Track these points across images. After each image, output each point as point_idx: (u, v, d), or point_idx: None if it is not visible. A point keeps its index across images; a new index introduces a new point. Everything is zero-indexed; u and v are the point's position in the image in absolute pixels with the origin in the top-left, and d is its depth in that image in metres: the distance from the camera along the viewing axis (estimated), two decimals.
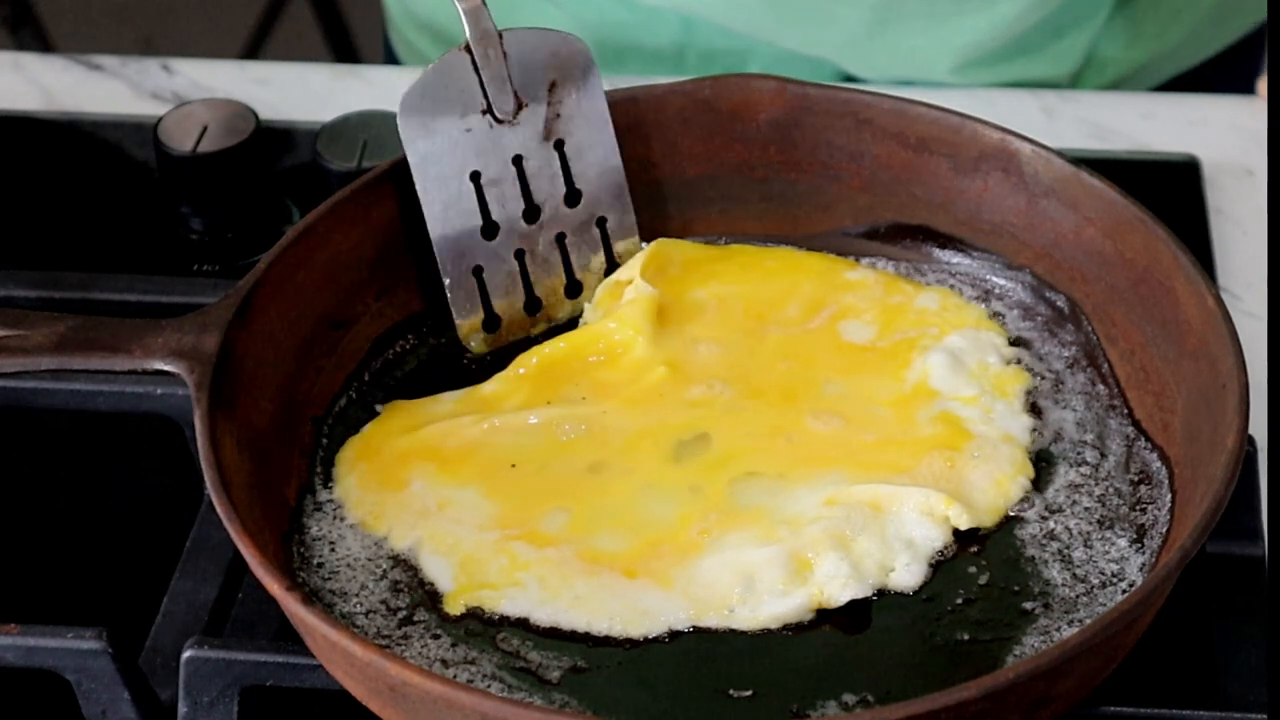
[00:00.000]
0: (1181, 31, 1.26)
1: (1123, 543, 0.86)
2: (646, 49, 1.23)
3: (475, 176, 0.94)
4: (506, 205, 0.95)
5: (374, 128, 1.09)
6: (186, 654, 0.84)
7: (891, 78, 1.21)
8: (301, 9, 2.42)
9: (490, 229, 0.94)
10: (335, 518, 0.88)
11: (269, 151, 1.12)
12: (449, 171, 0.93)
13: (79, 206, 1.14)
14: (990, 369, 0.92)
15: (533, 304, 0.96)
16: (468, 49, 0.93)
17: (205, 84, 1.22)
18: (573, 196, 0.96)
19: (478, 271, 0.95)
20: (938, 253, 0.98)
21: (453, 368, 0.95)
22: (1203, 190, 1.12)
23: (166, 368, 0.86)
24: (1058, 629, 0.83)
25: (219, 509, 0.80)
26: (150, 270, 1.07)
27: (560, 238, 0.96)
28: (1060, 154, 0.95)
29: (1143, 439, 0.90)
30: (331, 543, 0.87)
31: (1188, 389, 0.88)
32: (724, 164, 0.99)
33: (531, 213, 0.95)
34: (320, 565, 0.86)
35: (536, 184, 0.95)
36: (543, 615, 0.83)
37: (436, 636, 0.84)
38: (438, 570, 0.85)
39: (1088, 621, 0.82)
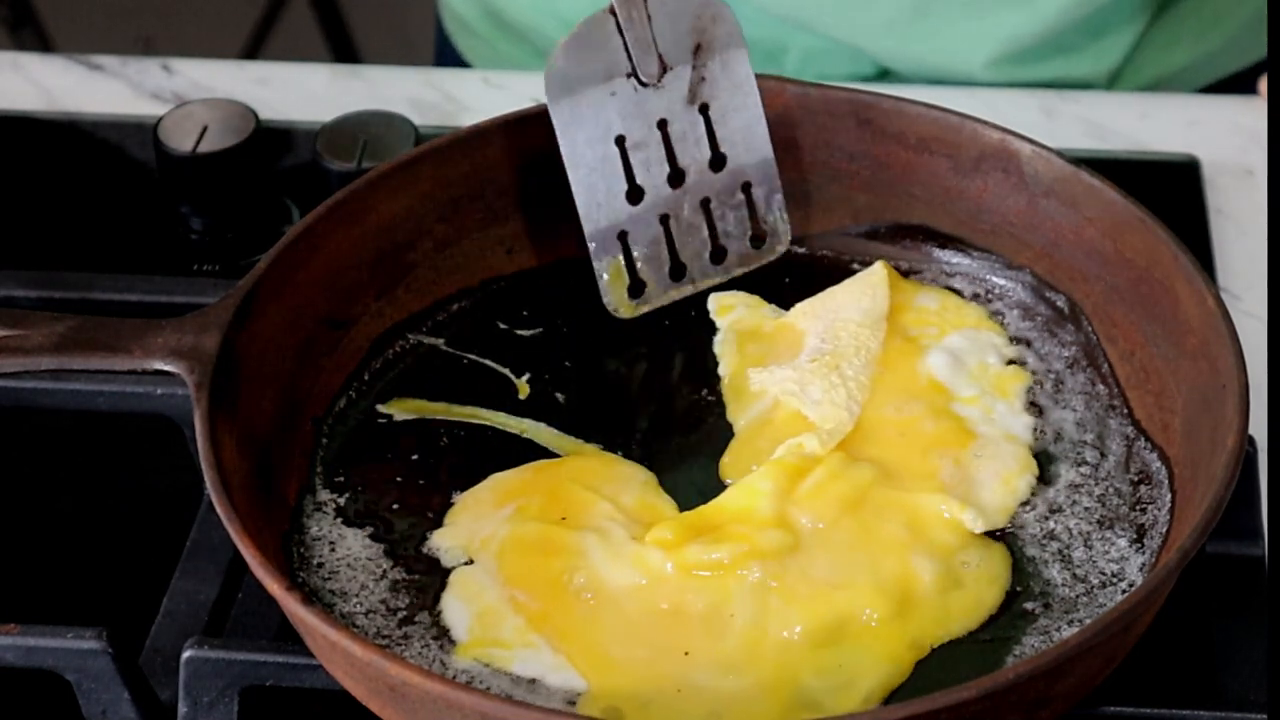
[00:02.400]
0: (1221, 37, 1.26)
1: (1123, 543, 0.86)
2: None
3: (620, 141, 0.94)
4: (651, 169, 0.95)
5: (374, 128, 1.09)
6: (186, 654, 0.84)
7: (928, 71, 1.21)
8: (301, 9, 2.43)
9: (635, 193, 0.94)
10: (335, 517, 0.88)
11: (269, 151, 1.12)
12: (594, 135, 0.93)
13: (79, 206, 1.14)
14: (990, 369, 0.92)
15: (677, 269, 0.96)
16: (612, 10, 0.93)
17: (205, 84, 1.22)
18: (717, 161, 0.95)
19: (623, 236, 0.95)
20: (938, 253, 0.98)
21: (453, 368, 0.95)
22: (1203, 190, 1.12)
23: (166, 368, 0.86)
24: (1058, 629, 0.83)
25: (219, 509, 0.80)
26: (150, 270, 1.07)
27: (705, 203, 0.96)
28: (1060, 154, 0.95)
29: (1143, 439, 0.90)
30: (331, 543, 0.87)
31: (1188, 389, 0.88)
32: None
33: (676, 177, 0.95)
34: (320, 565, 0.86)
35: (681, 148, 0.95)
36: (556, 680, 0.82)
37: (437, 637, 0.84)
38: (456, 614, 0.85)
39: (1088, 621, 0.82)
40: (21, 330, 0.87)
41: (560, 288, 0.98)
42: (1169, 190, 1.12)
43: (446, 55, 1.38)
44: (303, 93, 1.22)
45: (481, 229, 0.98)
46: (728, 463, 0.90)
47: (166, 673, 0.86)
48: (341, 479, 0.90)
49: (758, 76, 0.97)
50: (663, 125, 0.94)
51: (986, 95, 1.19)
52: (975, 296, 0.97)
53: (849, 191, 0.99)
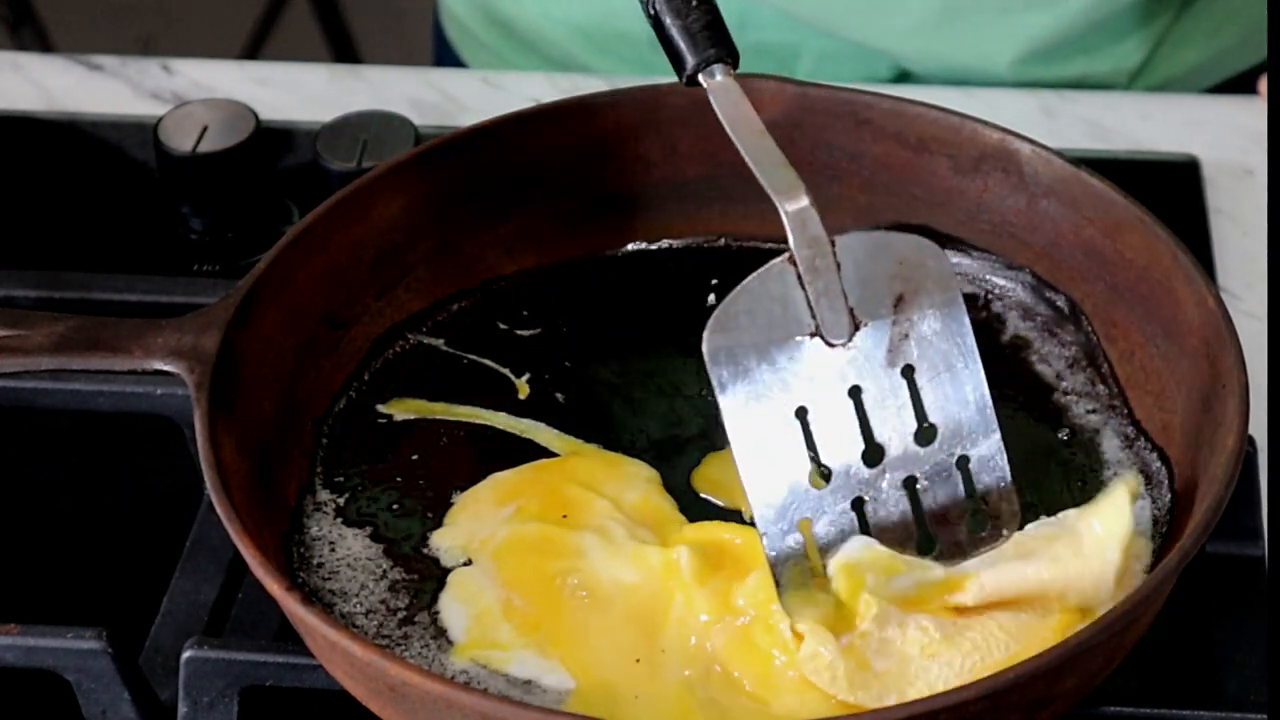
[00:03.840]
0: (1237, 33, 1.26)
1: None
2: None
3: (802, 413, 0.80)
4: (842, 446, 0.81)
5: (374, 128, 1.09)
6: (186, 654, 0.84)
7: (951, 72, 1.21)
8: (301, 9, 2.43)
9: (821, 475, 0.81)
10: (335, 517, 0.88)
11: (269, 151, 1.12)
12: (769, 407, 0.79)
13: (79, 206, 1.14)
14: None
15: None
16: (791, 260, 0.80)
17: (205, 84, 1.22)
18: (926, 433, 0.82)
19: (806, 525, 0.81)
20: None
21: (453, 368, 0.95)
22: (1203, 190, 1.12)
23: (166, 368, 0.86)
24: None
25: (219, 509, 0.80)
26: (150, 270, 1.07)
27: (910, 481, 0.82)
28: (1060, 154, 0.95)
29: (1143, 439, 0.90)
30: (331, 543, 0.87)
31: (1188, 389, 0.88)
32: (724, 164, 0.99)
33: (873, 454, 0.81)
34: (320, 565, 0.86)
35: (879, 419, 0.81)
36: (552, 681, 0.82)
37: (436, 637, 0.84)
38: (453, 615, 0.85)
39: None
40: (21, 330, 0.87)
41: (560, 288, 0.98)
42: (1169, 190, 1.12)
43: (446, 61, 1.38)
44: (303, 93, 1.22)
45: (481, 229, 0.98)
46: (700, 474, 0.90)
47: (166, 673, 0.86)
48: (341, 479, 0.90)
49: (758, 77, 0.97)
50: (855, 393, 0.81)
51: (986, 95, 1.19)
52: (975, 296, 0.97)
53: (849, 191, 0.99)
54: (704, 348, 0.79)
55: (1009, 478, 0.83)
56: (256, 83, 1.22)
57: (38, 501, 0.99)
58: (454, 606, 0.84)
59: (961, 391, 0.82)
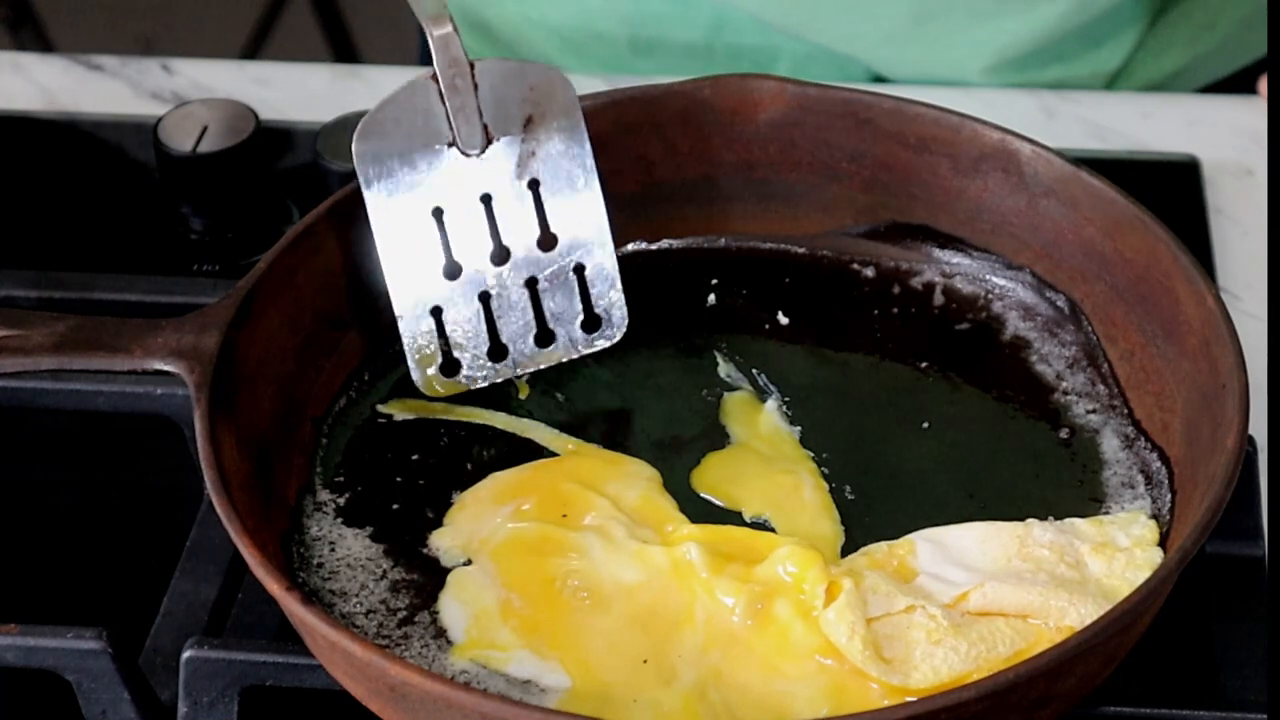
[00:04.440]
0: (1214, 41, 1.26)
1: None
2: (677, 42, 1.23)
3: (438, 213, 0.90)
4: (471, 245, 0.91)
5: None
6: (186, 654, 0.84)
7: (924, 78, 1.21)
8: (301, 9, 2.43)
9: (452, 269, 0.91)
10: (335, 517, 0.88)
11: (269, 151, 1.12)
12: (409, 206, 0.90)
13: (79, 206, 1.14)
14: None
15: (497, 350, 0.92)
16: (434, 78, 0.89)
17: (205, 84, 1.22)
18: (547, 240, 0.92)
19: (436, 312, 0.91)
20: (938, 253, 0.98)
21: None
22: (1203, 190, 1.12)
23: (166, 368, 0.86)
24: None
25: (219, 509, 0.80)
26: (150, 270, 1.07)
27: (531, 282, 0.92)
28: (1060, 154, 0.95)
29: (1143, 439, 0.90)
30: (331, 543, 0.87)
31: (1188, 389, 0.88)
32: (724, 164, 0.99)
33: (500, 254, 0.91)
34: (320, 565, 0.86)
35: (506, 224, 0.91)
36: (551, 681, 0.82)
37: (436, 637, 0.84)
38: (453, 615, 0.84)
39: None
40: (21, 330, 0.87)
41: None
42: (1169, 190, 1.12)
43: (428, 63, 1.37)
44: (303, 93, 1.22)
45: None
46: (700, 474, 0.90)
47: (166, 673, 0.86)
48: (341, 479, 0.90)
49: (758, 77, 0.98)
50: (487, 200, 0.91)
51: (987, 95, 1.19)
52: (975, 296, 0.97)
53: (849, 191, 0.99)
54: (353, 149, 0.88)
55: (619, 286, 0.93)
56: (256, 83, 1.22)
57: (38, 501, 0.99)
58: (453, 607, 0.84)
59: (581, 206, 0.92)
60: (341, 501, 0.89)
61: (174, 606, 0.89)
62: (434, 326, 0.91)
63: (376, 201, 0.90)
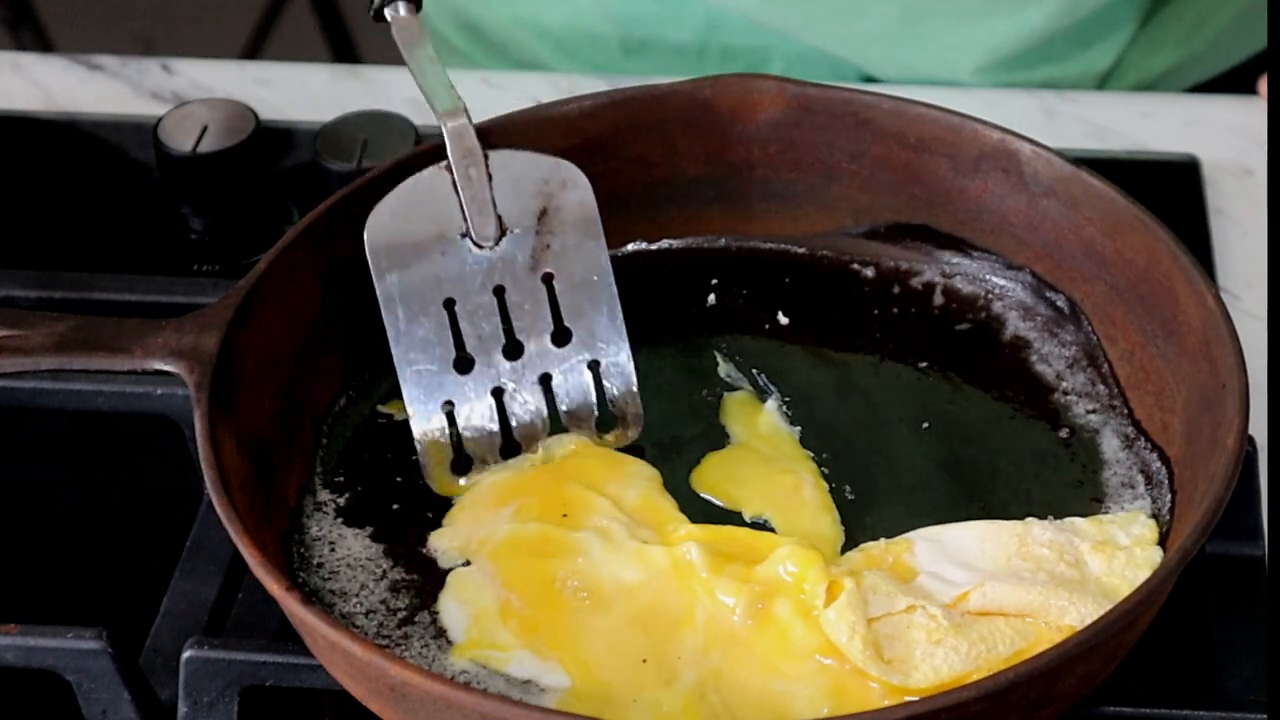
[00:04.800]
0: (1205, 40, 1.26)
1: None
2: (669, 43, 1.23)
3: (450, 304, 0.88)
4: (484, 339, 0.89)
5: (374, 128, 1.09)
6: (186, 654, 0.84)
7: (914, 79, 1.21)
8: (301, 9, 2.42)
9: (464, 363, 0.89)
10: (335, 517, 0.88)
11: (269, 151, 1.12)
12: (420, 298, 0.88)
13: (79, 206, 1.14)
14: None
15: (510, 448, 0.90)
16: (448, 167, 0.88)
17: (205, 84, 1.22)
18: (561, 335, 0.90)
19: (448, 406, 0.89)
20: (938, 253, 0.98)
21: None
22: (1203, 190, 1.12)
23: (166, 368, 0.86)
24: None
25: (219, 509, 0.80)
26: (150, 270, 1.07)
27: (545, 379, 0.90)
28: (1060, 154, 0.95)
29: (1143, 439, 0.90)
30: (331, 543, 0.87)
31: (1188, 389, 0.88)
32: (724, 164, 0.99)
33: (513, 349, 0.90)
34: (320, 565, 0.86)
35: (519, 318, 0.89)
36: (551, 681, 0.82)
37: (436, 636, 0.84)
38: (453, 616, 0.84)
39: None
40: (21, 330, 0.87)
41: None
42: (1169, 190, 1.12)
43: None
44: (303, 93, 1.22)
45: None
46: (700, 474, 0.90)
47: (166, 673, 0.86)
48: (341, 479, 0.90)
49: (758, 77, 0.97)
50: (500, 292, 0.89)
51: (986, 95, 1.19)
52: (975, 296, 0.97)
53: (849, 191, 0.99)
54: (365, 238, 0.87)
55: (635, 385, 0.91)
56: (256, 83, 1.22)
57: (38, 501, 0.99)
58: (453, 607, 0.84)
59: (595, 302, 0.90)
60: (341, 501, 0.89)
61: (174, 606, 0.89)
62: (445, 423, 0.89)
63: (388, 293, 0.88)
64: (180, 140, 1.09)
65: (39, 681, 0.85)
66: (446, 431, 0.89)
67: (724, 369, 0.95)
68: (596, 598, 0.83)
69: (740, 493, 0.89)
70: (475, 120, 0.95)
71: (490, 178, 0.88)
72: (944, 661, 0.79)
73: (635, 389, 0.91)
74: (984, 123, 0.96)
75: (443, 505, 0.89)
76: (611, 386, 0.91)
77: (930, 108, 0.97)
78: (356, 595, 0.85)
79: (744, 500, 0.88)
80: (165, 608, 0.89)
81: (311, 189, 1.08)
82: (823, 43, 1.21)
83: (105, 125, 1.18)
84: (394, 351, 0.88)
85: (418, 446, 0.89)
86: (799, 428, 0.92)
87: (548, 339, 0.90)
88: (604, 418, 0.91)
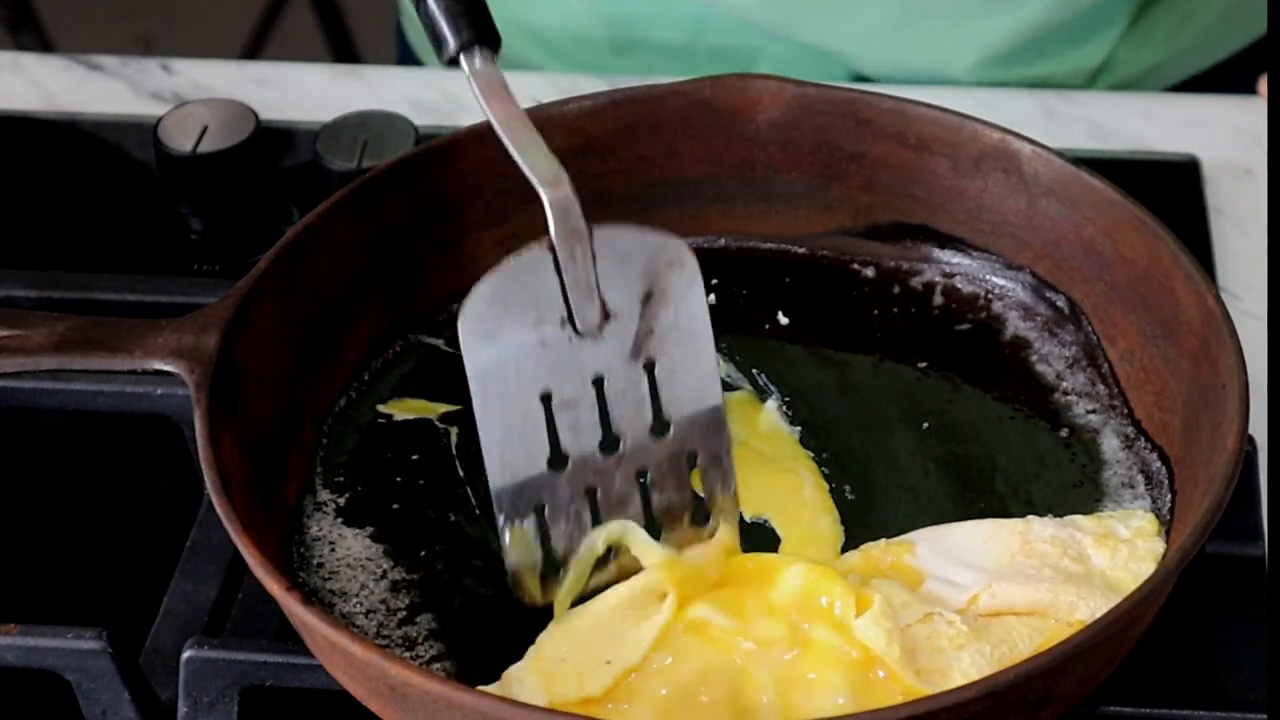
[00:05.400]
0: (1192, 35, 1.26)
1: None
2: (657, 43, 1.23)
3: (546, 398, 0.81)
4: (581, 433, 0.82)
5: (374, 128, 1.09)
6: (186, 654, 0.84)
7: (908, 76, 1.21)
8: (301, 9, 2.42)
9: (558, 459, 0.82)
10: (335, 517, 0.88)
11: (269, 151, 1.12)
12: (515, 389, 0.80)
13: (79, 206, 1.14)
14: None
15: (604, 556, 0.84)
16: (551, 247, 0.80)
17: (205, 84, 1.22)
18: (660, 427, 0.83)
19: (539, 509, 0.82)
20: (938, 253, 0.98)
21: (453, 368, 0.95)
22: (1203, 190, 1.12)
23: (166, 368, 0.86)
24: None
25: (219, 509, 0.80)
26: (150, 270, 1.07)
27: (641, 473, 0.83)
28: (1060, 154, 0.95)
29: (1143, 439, 0.90)
30: (331, 543, 0.87)
31: (1188, 389, 0.88)
32: (724, 164, 0.99)
33: (610, 443, 0.82)
34: (320, 565, 0.86)
35: (618, 410, 0.82)
36: None
37: (437, 636, 0.84)
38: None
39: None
40: (21, 330, 0.87)
41: None
42: (1169, 190, 1.12)
43: (407, 63, 1.38)
44: (303, 93, 1.22)
45: (481, 229, 0.97)
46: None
47: (166, 673, 0.86)
48: (341, 479, 0.90)
49: (757, 77, 0.97)
50: (599, 382, 0.82)
51: (986, 95, 1.19)
52: (975, 296, 0.97)
53: (849, 191, 0.99)
54: (459, 327, 0.80)
55: (733, 478, 0.84)
56: (256, 83, 1.22)
57: (38, 501, 0.99)
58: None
59: (698, 388, 0.83)
60: (341, 501, 0.89)
61: (174, 606, 0.89)
62: (536, 526, 0.82)
63: (481, 383, 0.81)
64: (180, 140, 1.09)
65: (39, 681, 0.85)
66: (536, 534, 0.82)
67: (724, 369, 0.95)
68: (623, 694, 0.79)
69: (740, 493, 0.89)
70: (471, 121, 0.96)
71: (594, 256, 0.81)
72: (972, 665, 0.79)
73: (733, 483, 0.85)
74: (984, 123, 0.96)
75: (443, 505, 0.89)
76: (708, 479, 0.85)
77: (930, 108, 0.97)
78: (356, 595, 0.85)
79: (744, 500, 0.88)
80: (165, 608, 0.89)
81: (311, 189, 1.08)
82: (816, 40, 1.21)
83: (105, 125, 1.18)
84: (484, 446, 0.81)
85: (504, 550, 0.82)
86: (799, 428, 0.92)
87: (646, 431, 0.83)
88: (697, 514, 0.85)
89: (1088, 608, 0.81)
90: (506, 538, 0.82)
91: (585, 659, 0.80)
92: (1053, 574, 0.82)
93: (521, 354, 0.80)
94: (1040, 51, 1.21)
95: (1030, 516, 0.86)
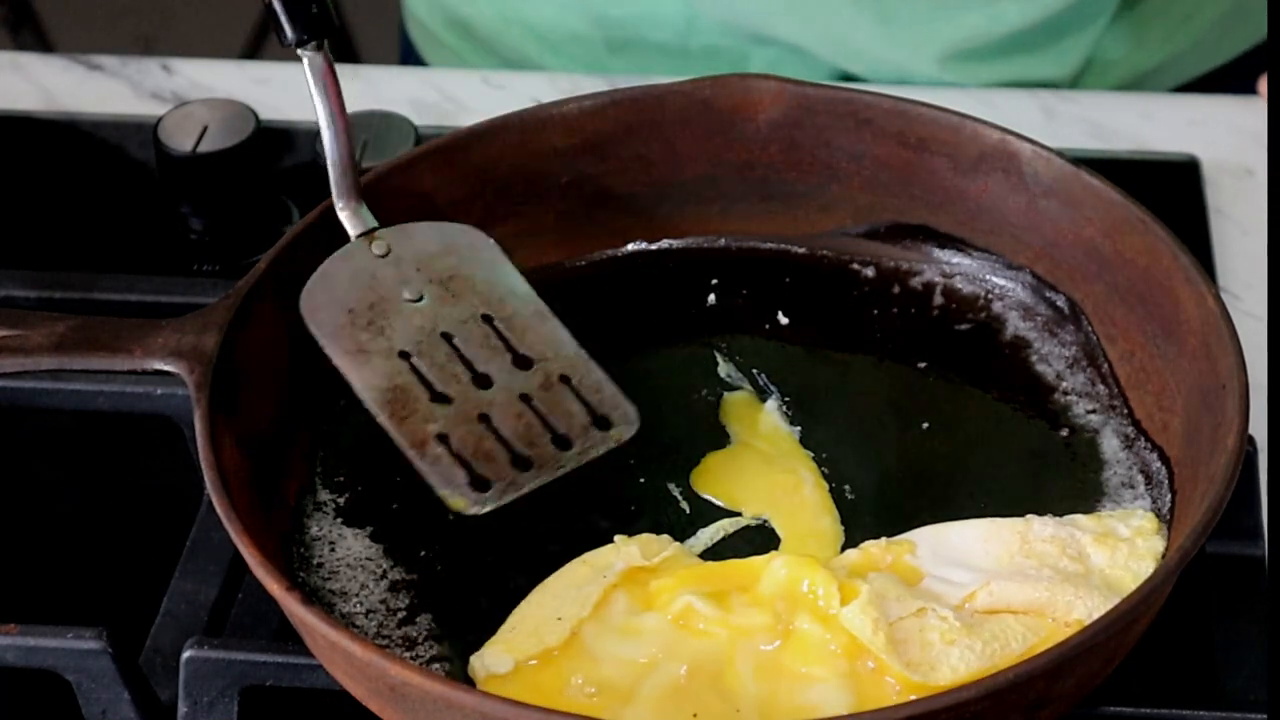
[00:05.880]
0: (1189, 38, 1.26)
1: None
2: (650, 42, 1.23)
3: (405, 355, 0.88)
4: (451, 377, 0.88)
5: (374, 128, 1.09)
6: (186, 654, 0.84)
7: (888, 73, 1.21)
8: None
9: (440, 397, 0.88)
10: (335, 517, 0.88)
11: (269, 151, 1.12)
12: (374, 355, 0.88)
13: (79, 206, 1.14)
14: None
15: (520, 460, 0.87)
16: (363, 235, 0.90)
17: (205, 84, 1.22)
18: (522, 360, 0.89)
19: (443, 439, 0.87)
20: (938, 253, 0.98)
21: None
22: (1203, 190, 1.12)
23: (166, 368, 0.86)
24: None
25: (219, 509, 0.80)
26: (150, 270, 1.07)
27: (526, 398, 0.89)
28: (1060, 154, 0.95)
29: (1143, 439, 0.90)
30: (331, 543, 0.87)
31: (1188, 389, 0.88)
32: (724, 164, 0.99)
33: (481, 380, 0.89)
34: (320, 565, 0.86)
35: (475, 354, 0.89)
36: None
37: (437, 636, 0.84)
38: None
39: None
40: (21, 330, 0.87)
41: (560, 288, 0.98)
42: (1169, 190, 1.12)
43: (410, 62, 1.38)
44: (303, 93, 1.21)
45: (482, 229, 0.97)
46: (700, 474, 0.90)
47: (166, 673, 0.86)
48: (341, 479, 0.90)
49: (757, 77, 0.97)
50: (448, 338, 0.89)
51: (986, 95, 1.19)
52: (975, 296, 0.97)
53: (849, 191, 0.99)
54: (303, 313, 0.88)
55: (612, 386, 0.89)
56: (256, 83, 1.22)
57: (38, 501, 0.99)
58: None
59: (539, 328, 0.90)
60: (341, 501, 0.89)
61: (174, 606, 0.89)
62: (446, 450, 0.87)
63: (346, 361, 0.88)
64: (180, 140, 1.09)
65: (39, 681, 0.85)
66: (450, 457, 0.86)
67: (724, 369, 0.95)
68: (612, 693, 0.81)
69: (740, 492, 0.89)
70: (471, 121, 0.96)
71: (397, 253, 0.90)
72: (960, 660, 0.79)
73: (614, 387, 0.89)
74: (984, 123, 0.96)
75: (443, 505, 0.89)
76: (590, 397, 0.89)
77: (930, 108, 0.97)
78: (356, 595, 0.85)
79: (744, 500, 0.88)
80: (165, 608, 0.89)
81: (311, 189, 1.07)
82: (797, 39, 1.21)
83: (105, 125, 1.18)
84: (373, 410, 0.87)
85: (431, 482, 0.86)
86: (799, 428, 0.92)
87: (511, 364, 0.89)
88: (598, 419, 0.89)
89: (1085, 607, 0.81)
90: (427, 472, 0.86)
91: (540, 619, 0.82)
92: (1051, 573, 0.82)
93: (367, 327, 0.88)
94: (1020, 46, 1.21)
95: (1030, 516, 0.86)
